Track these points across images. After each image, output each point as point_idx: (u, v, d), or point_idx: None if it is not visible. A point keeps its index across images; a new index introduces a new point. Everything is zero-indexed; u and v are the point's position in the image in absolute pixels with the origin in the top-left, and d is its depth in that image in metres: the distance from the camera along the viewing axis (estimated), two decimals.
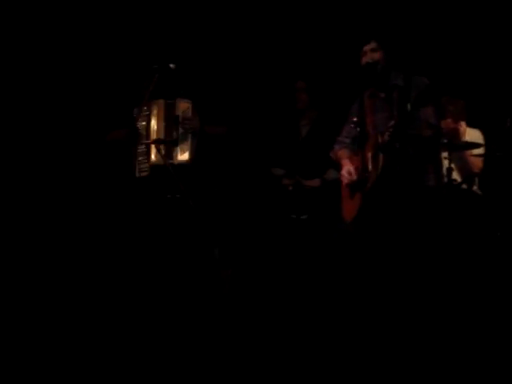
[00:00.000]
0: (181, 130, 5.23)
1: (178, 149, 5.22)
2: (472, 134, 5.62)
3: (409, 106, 4.41)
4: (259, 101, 6.27)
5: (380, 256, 4.57)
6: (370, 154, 4.64)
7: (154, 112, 5.26)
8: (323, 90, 5.97)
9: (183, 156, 5.22)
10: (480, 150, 5.52)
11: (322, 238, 5.45)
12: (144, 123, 5.26)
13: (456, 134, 5.57)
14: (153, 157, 5.16)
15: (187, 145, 5.23)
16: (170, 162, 5.14)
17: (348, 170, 4.77)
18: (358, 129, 4.78)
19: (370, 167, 4.63)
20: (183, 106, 5.27)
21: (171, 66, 5.12)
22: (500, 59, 5.92)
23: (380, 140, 4.53)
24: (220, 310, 4.68)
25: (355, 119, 4.82)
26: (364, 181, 4.66)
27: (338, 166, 4.94)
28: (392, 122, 4.48)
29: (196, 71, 5.54)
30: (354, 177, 4.71)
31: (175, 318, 4.43)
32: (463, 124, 5.63)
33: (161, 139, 5.18)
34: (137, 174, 5.25)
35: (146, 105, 5.20)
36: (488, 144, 5.53)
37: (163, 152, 5.10)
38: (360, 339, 3.99)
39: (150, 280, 4.99)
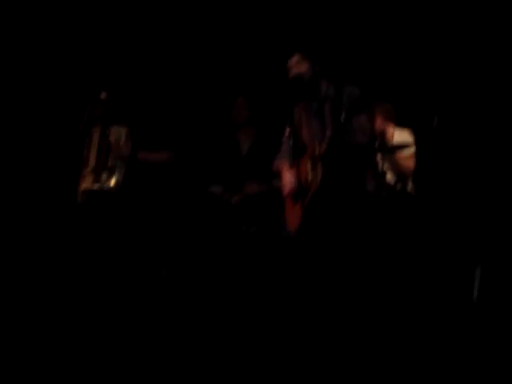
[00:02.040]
0: (112, 157, 5.31)
1: (105, 175, 5.30)
2: (401, 136, 5.73)
3: (343, 116, 4.49)
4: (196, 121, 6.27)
5: (325, 264, 4.64)
6: (308, 165, 4.70)
7: (91, 139, 5.35)
8: (261, 106, 6.01)
9: (110, 182, 5.30)
10: (410, 151, 5.64)
11: (270, 247, 5.45)
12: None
13: (385, 136, 5.67)
14: (84, 183, 5.24)
15: (115, 171, 5.30)
16: (98, 187, 5.32)
17: (289, 178, 4.83)
18: (292, 141, 4.85)
19: (309, 178, 4.70)
20: (116, 133, 5.34)
21: (102, 95, 5.18)
22: (426, 59, 6.06)
23: (317, 151, 4.60)
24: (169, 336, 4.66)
25: (288, 132, 4.90)
26: (304, 191, 4.72)
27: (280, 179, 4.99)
28: (328, 133, 4.56)
29: (135, 97, 5.59)
30: (295, 184, 4.77)
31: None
32: (392, 126, 5.74)
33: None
34: (78, 199, 5.39)
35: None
36: (418, 144, 5.66)
37: (89, 179, 5.28)
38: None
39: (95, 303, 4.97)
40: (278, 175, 5.04)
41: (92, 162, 5.38)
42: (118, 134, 5.39)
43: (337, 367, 3.78)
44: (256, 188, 5.76)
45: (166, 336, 4.39)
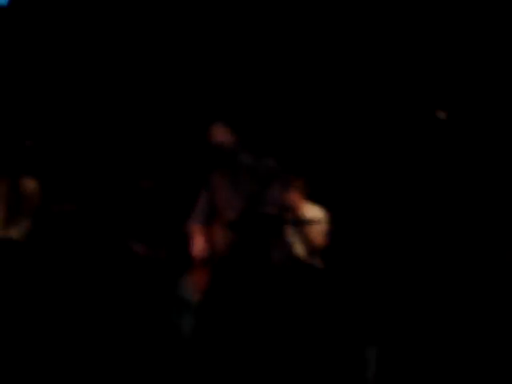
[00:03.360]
0: (21, 208, 5.33)
1: (12, 225, 5.30)
2: (313, 211, 5.89)
3: (257, 187, 4.62)
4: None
5: (226, 330, 4.70)
6: (219, 231, 4.79)
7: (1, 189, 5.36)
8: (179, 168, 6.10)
9: (13, 232, 5.28)
10: (320, 227, 5.79)
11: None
12: None
13: (297, 209, 5.83)
14: None
15: (22, 222, 5.31)
16: (6, 237, 5.32)
17: (199, 242, 4.89)
18: (207, 205, 4.94)
19: (218, 244, 4.78)
20: (26, 184, 5.37)
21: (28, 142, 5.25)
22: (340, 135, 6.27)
23: (228, 218, 4.70)
24: None
25: (203, 196, 4.98)
26: (213, 256, 4.80)
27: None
28: (240, 202, 4.67)
29: (44, 148, 5.63)
30: (205, 249, 4.84)
31: None
32: (304, 201, 5.90)
33: None
34: None
35: None
36: (329, 221, 5.82)
37: None
38: None
39: None
40: (188, 237, 5.10)
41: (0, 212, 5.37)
42: (28, 185, 5.41)
43: None
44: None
45: None
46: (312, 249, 5.79)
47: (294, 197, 5.79)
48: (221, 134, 4.88)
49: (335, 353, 4.92)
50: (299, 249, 5.75)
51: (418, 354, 4.80)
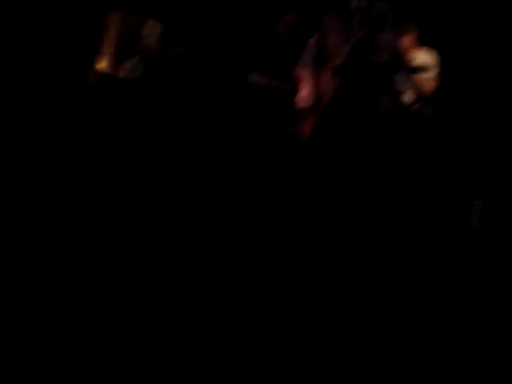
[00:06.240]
0: (134, 48, 5.29)
1: (128, 64, 5.28)
2: (425, 57, 5.70)
3: (367, 30, 4.49)
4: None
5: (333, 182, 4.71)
6: (326, 75, 4.73)
7: (114, 24, 5.29)
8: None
9: (122, 71, 5.28)
10: (432, 73, 5.63)
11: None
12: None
13: (408, 55, 5.65)
14: (101, 64, 5.24)
15: (133, 62, 5.29)
16: (115, 73, 5.29)
17: (307, 88, 4.85)
18: (316, 50, 4.86)
19: (325, 90, 4.73)
20: (150, 28, 5.30)
21: None
22: None
23: (336, 63, 4.62)
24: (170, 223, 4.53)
25: (314, 39, 4.89)
26: (319, 101, 4.76)
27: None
28: (348, 46, 4.57)
29: None
30: (312, 95, 4.80)
31: None
32: (417, 46, 5.71)
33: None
34: (89, 80, 5.35)
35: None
36: (441, 66, 5.64)
37: (106, 62, 5.22)
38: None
39: None
40: (296, 81, 5.05)
41: (111, 46, 5.32)
42: (153, 29, 5.34)
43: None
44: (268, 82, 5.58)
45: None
46: (421, 96, 5.66)
47: (406, 42, 5.60)
48: None
49: (443, 203, 4.90)
50: (408, 96, 5.63)
51: None
